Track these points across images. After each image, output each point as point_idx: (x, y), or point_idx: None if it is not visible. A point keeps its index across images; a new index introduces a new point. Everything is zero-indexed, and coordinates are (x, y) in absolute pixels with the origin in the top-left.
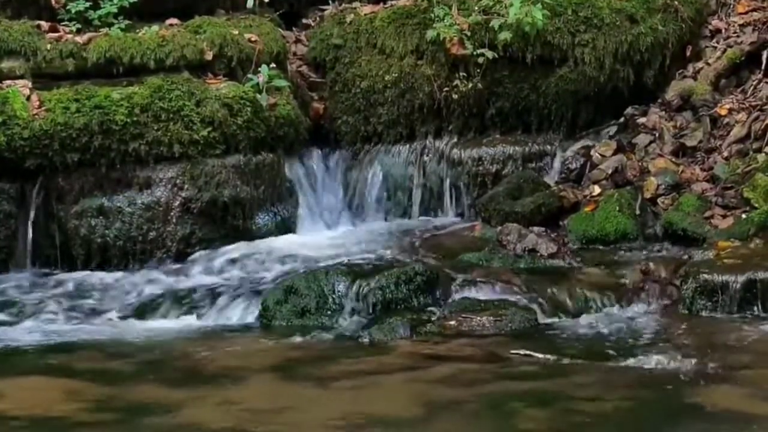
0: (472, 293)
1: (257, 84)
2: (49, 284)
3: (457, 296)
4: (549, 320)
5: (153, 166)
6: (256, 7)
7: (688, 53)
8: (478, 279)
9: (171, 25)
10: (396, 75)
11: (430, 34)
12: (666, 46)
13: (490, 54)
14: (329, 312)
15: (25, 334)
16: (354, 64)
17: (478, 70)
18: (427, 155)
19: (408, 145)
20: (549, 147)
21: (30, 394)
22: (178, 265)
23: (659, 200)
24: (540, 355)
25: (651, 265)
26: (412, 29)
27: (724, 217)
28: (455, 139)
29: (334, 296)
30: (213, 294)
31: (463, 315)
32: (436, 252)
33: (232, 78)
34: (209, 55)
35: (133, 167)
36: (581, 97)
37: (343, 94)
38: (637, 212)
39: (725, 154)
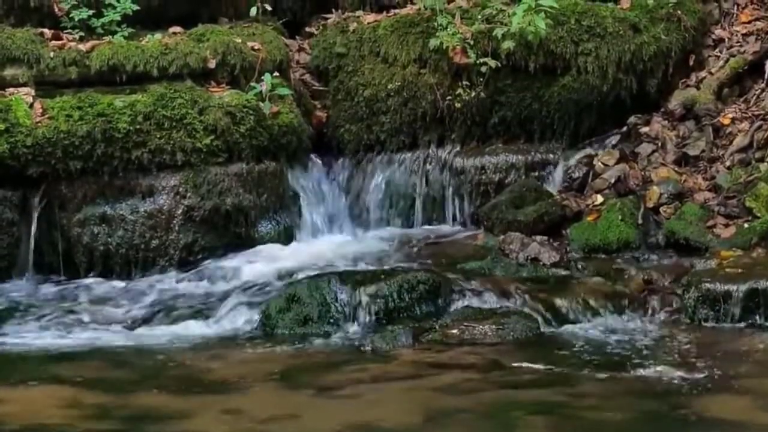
0: (475, 302)
1: (260, 92)
2: (51, 292)
3: (459, 304)
4: (551, 329)
5: (156, 174)
6: (259, 15)
7: (691, 62)
8: (480, 287)
9: (174, 33)
10: (399, 83)
11: (433, 42)
12: (669, 55)
13: (492, 63)
14: (331, 320)
15: (27, 341)
16: (357, 73)
17: (481, 79)
18: (430, 164)
19: (410, 154)
20: (552, 156)
21: (31, 402)
22: (180, 273)
23: (661, 209)
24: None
25: (653, 274)
26: (415, 38)
27: (726, 226)
28: (458, 148)
29: (336, 304)
30: (215, 302)
31: (466, 323)
32: (438, 260)
33: (234, 86)
34: (212, 63)
35: (136, 175)
36: (584, 105)
37: (346, 102)
38: (640, 221)
39: (728, 163)
